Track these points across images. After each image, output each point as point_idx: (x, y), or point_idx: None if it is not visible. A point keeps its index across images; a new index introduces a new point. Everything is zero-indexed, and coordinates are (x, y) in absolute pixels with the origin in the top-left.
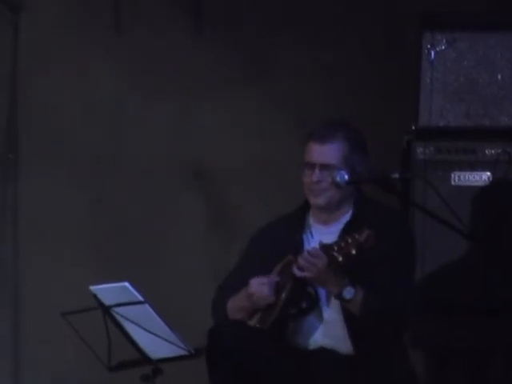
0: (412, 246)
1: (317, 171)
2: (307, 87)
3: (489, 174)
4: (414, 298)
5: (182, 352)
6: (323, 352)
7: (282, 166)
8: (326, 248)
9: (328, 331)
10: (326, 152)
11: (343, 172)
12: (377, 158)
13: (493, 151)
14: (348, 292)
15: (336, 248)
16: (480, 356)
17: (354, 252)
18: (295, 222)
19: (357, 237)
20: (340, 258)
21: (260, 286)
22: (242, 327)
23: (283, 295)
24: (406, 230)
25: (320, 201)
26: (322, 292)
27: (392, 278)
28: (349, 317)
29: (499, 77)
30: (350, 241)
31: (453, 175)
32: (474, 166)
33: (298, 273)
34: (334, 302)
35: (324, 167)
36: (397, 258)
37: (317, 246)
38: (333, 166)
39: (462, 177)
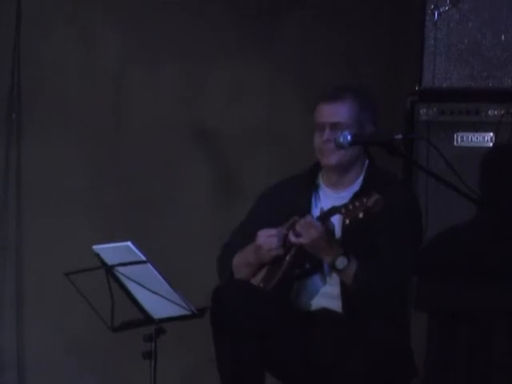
0: (418, 219)
1: (327, 130)
2: (313, 53)
3: (492, 134)
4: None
5: (185, 312)
6: (325, 312)
7: (287, 132)
8: (330, 212)
9: (330, 294)
10: (335, 111)
11: (346, 133)
12: (380, 120)
13: (496, 112)
14: (341, 262)
15: (344, 211)
16: (484, 319)
17: (361, 216)
18: (305, 183)
19: (365, 201)
20: (347, 221)
21: (268, 238)
22: (246, 288)
23: (287, 257)
24: (413, 202)
25: (331, 161)
26: None
27: (393, 250)
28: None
29: (503, 38)
30: (357, 204)
31: (456, 136)
32: (477, 127)
33: (292, 238)
34: None
35: (334, 126)
36: (401, 231)
37: (324, 208)
38: (342, 125)
39: (464, 138)
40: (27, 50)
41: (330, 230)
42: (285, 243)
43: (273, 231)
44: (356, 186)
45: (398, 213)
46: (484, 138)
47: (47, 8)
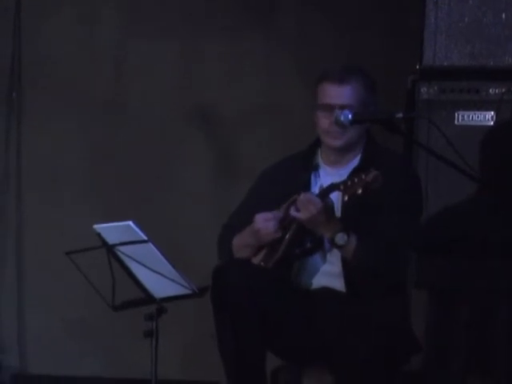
0: (418, 194)
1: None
2: (312, 31)
3: (492, 113)
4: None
5: (186, 291)
6: (325, 291)
7: (287, 111)
8: (329, 189)
9: (331, 272)
10: (344, 93)
11: (347, 111)
12: (381, 98)
13: (497, 91)
14: (340, 238)
15: (342, 187)
16: (484, 297)
17: (359, 192)
18: (304, 162)
19: (363, 177)
20: (346, 197)
21: (266, 222)
22: (246, 266)
23: (288, 235)
24: (412, 177)
25: (338, 143)
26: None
27: (393, 226)
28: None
29: (503, 16)
30: (356, 180)
31: (457, 115)
32: (477, 106)
33: (293, 212)
34: None
35: (343, 108)
36: (401, 207)
37: (324, 186)
38: (350, 107)
39: (465, 116)
40: (28, 30)
41: (329, 207)
42: (282, 226)
43: (270, 215)
44: (355, 163)
45: (397, 188)
46: (485, 116)
47: None
